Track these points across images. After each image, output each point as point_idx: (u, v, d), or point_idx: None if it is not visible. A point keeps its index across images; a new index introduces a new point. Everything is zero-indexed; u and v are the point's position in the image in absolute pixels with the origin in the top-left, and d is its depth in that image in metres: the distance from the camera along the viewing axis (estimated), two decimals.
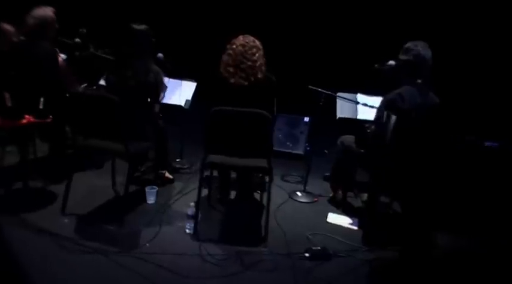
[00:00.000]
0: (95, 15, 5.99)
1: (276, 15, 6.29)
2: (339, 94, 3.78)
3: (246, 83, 3.16)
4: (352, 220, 3.52)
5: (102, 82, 4.27)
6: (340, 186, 3.76)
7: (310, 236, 3.21)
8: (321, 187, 4.10)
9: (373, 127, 3.35)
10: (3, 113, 3.38)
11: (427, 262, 2.92)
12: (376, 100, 3.80)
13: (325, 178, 4.25)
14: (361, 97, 3.87)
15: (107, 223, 3.17)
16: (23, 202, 3.37)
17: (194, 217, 3.11)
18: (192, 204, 3.14)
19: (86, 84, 4.15)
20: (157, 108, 3.52)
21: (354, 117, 3.86)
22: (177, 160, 4.31)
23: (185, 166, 4.27)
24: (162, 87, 3.39)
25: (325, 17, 6.27)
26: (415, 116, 3.04)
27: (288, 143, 4.84)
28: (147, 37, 3.31)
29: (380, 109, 3.11)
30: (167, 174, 3.89)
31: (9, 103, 3.37)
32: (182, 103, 3.95)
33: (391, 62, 3.34)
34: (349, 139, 3.57)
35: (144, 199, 3.55)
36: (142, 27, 3.32)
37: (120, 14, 6.39)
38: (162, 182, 3.82)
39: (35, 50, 3.54)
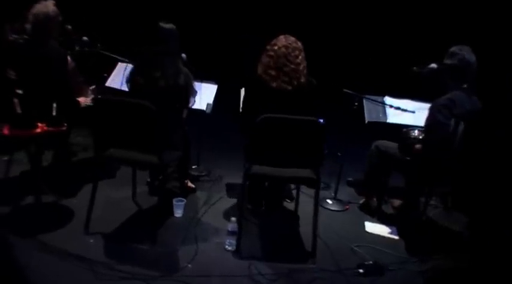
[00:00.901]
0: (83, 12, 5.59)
1: (295, 16, 6.08)
2: (367, 97, 3.63)
3: (290, 88, 2.93)
4: (390, 228, 3.38)
5: (110, 83, 3.99)
6: (375, 192, 3.61)
7: (355, 249, 3.05)
8: (347, 193, 3.94)
9: (415, 132, 3.23)
10: (12, 121, 3.00)
11: (499, 270, 2.81)
12: (405, 103, 3.70)
13: (349, 183, 4.10)
14: (389, 100, 3.73)
15: (138, 242, 2.88)
16: (38, 220, 3.02)
17: (236, 233, 2.87)
18: (234, 219, 2.89)
19: (94, 86, 3.83)
20: (185, 113, 3.24)
21: (384, 120, 3.72)
22: (193, 167, 4.03)
23: (203, 173, 4.01)
24: (192, 91, 3.12)
25: (342, 18, 6.10)
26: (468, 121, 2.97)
27: None
28: (176, 36, 3.03)
29: (433, 114, 2.99)
30: (189, 183, 3.62)
31: (18, 110, 3.00)
32: (203, 107, 3.68)
33: (433, 65, 3.23)
34: (386, 144, 3.42)
35: (170, 212, 3.27)
36: (170, 25, 3.03)
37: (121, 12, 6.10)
38: (185, 192, 3.54)
39: (43, 50, 3.18)
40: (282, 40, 2.98)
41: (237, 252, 2.85)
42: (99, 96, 3.36)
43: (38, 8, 3.24)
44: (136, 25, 6.11)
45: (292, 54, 2.94)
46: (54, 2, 3.32)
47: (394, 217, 3.55)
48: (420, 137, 3.20)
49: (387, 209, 3.69)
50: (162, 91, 2.93)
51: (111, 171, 3.82)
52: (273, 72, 2.93)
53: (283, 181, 3.21)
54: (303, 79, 2.96)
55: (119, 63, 4.10)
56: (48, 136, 3.06)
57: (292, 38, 3.00)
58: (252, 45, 6.12)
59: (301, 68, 2.95)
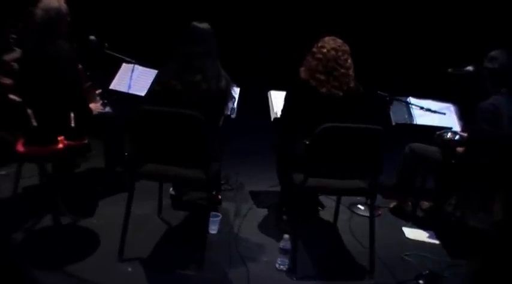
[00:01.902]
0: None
1: (322, 16, 5.84)
2: (397, 98, 3.50)
3: (341, 93, 2.74)
4: (428, 232, 3.29)
5: (115, 86, 3.61)
6: (408, 195, 3.51)
7: (406, 258, 2.93)
8: None
9: (449, 135, 3.16)
10: (29, 136, 2.60)
11: None
12: (428, 104, 3.61)
13: None
14: (413, 101, 3.63)
15: (182, 267, 2.60)
16: (61, 247, 2.66)
17: (289, 251, 2.66)
18: (286, 236, 2.67)
19: (100, 90, 3.45)
20: (221, 120, 2.97)
21: (410, 122, 3.61)
22: None
23: (222, 182, 3.74)
24: (231, 97, 2.85)
25: (364, 18, 5.93)
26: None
27: None
28: (213, 36, 2.74)
29: (477, 119, 2.91)
30: (218, 195, 3.36)
31: (34, 123, 2.61)
32: (228, 112, 3.40)
33: (469, 68, 3.17)
34: (423, 147, 3.32)
35: (204, 228, 2.99)
36: (206, 25, 2.73)
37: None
38: (214, 204, 3.28)
39: (50, 49, 2.78)
40: (330, 42, 2.77)
41: (292, 271, 2.65)
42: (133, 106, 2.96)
43: (48, 2, 2.84)
44: (143, 24, 5.72)
45: (342, 57, 2.74)
46: None
47: (427, 220, 3.47)
48: (455, 138, 3.15)
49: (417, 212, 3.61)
50: (203, 97, 2.64)
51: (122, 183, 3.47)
52: (322, 77, 2.72)
53: (343, 193, 3.01)
54: (352, 84, 2.78)
55: (124, 64, 3.73)
56: (69, 152, 2.69)
57: (340, 40, 2.81)
58: (265, 44, 5.93)
59: (350, 72, 2.76)
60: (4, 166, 3.35)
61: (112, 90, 3.63)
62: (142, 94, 3.56)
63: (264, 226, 3.14)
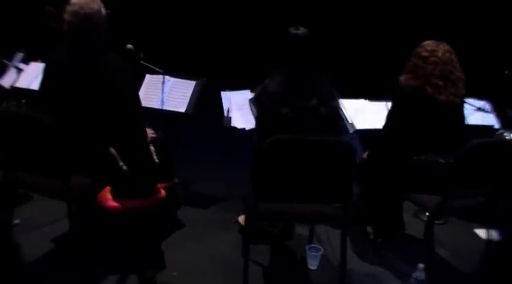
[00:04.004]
0: None
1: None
2: None
3: (458, 100, 2.50)
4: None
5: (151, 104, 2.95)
6: None
7: None
8: None
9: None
10: (120, 185, 1.92)
11: None
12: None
13: None
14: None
15: None
16: None
17: (425, 281, 2.37)
18: (421, 266, 2.38)
19: None
20: None
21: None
22: None
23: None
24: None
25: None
26: None
27: None
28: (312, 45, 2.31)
29: None
30: None
31: (124, 166, 1.94)
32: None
33: None
34: None
35: (296, 263, 2.63)
36: (306, 30, 2.29)
37: None
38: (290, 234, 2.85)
39: (108, 69, 2.15)
40: (440, 45, 2.51)
41: None
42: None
43: (87, 3, 2.15)
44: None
45: (455, 60, 2.50)
46: None
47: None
48: None
49: None
50: (322, 122, 2.21)
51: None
52: (440, 82, 2.45)
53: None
54: (464, 91, 2.55)
55: (147, 76, 3.09)
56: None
57: (444, 43, 2.56)
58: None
59: (463, 76, 2.53)
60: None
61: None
62: (182, 110, 2.98)
63: (360, 252, 2.81)
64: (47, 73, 2.37)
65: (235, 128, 2.92)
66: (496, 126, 3.41)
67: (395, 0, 5.39)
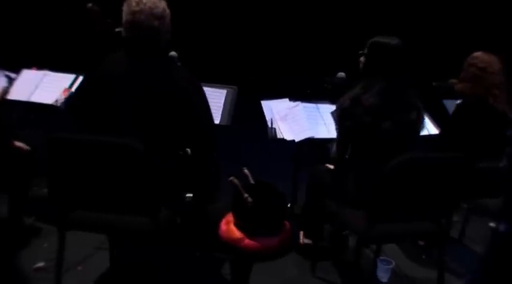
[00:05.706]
0: None
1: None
2: None
3: (508, 108, 2.64)
4: None
5: None
6: None
7: None
8: None
9: None
10: (252, 223, 1.66)
11: None
12: None
13: None
14: None
15: None
16: None
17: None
18: None
19: None
20: None
21: None
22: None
23: None
24: None
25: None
26: None
27: None
28: None
29: None
30: None
31: (249, 198, 1.69)
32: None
33: None
34: None
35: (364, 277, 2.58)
36: (397, 40, 2.22)
37: None
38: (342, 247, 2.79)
39: (179, 79, 1.90)
40: (492, 56, 2.63)
41: None
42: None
43: (153, 1, 1.89)
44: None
45: (501, 71, 2.64)
46: None
47: None
48: None
49: None
50: (412, 135, 2.19)
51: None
52: (496, 92, 2.56)
53: None
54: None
55: None
56: None
57: None
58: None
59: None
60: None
61: None
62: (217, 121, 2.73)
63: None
64: (97, 87, 1.98)
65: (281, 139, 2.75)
66: None
67: None
